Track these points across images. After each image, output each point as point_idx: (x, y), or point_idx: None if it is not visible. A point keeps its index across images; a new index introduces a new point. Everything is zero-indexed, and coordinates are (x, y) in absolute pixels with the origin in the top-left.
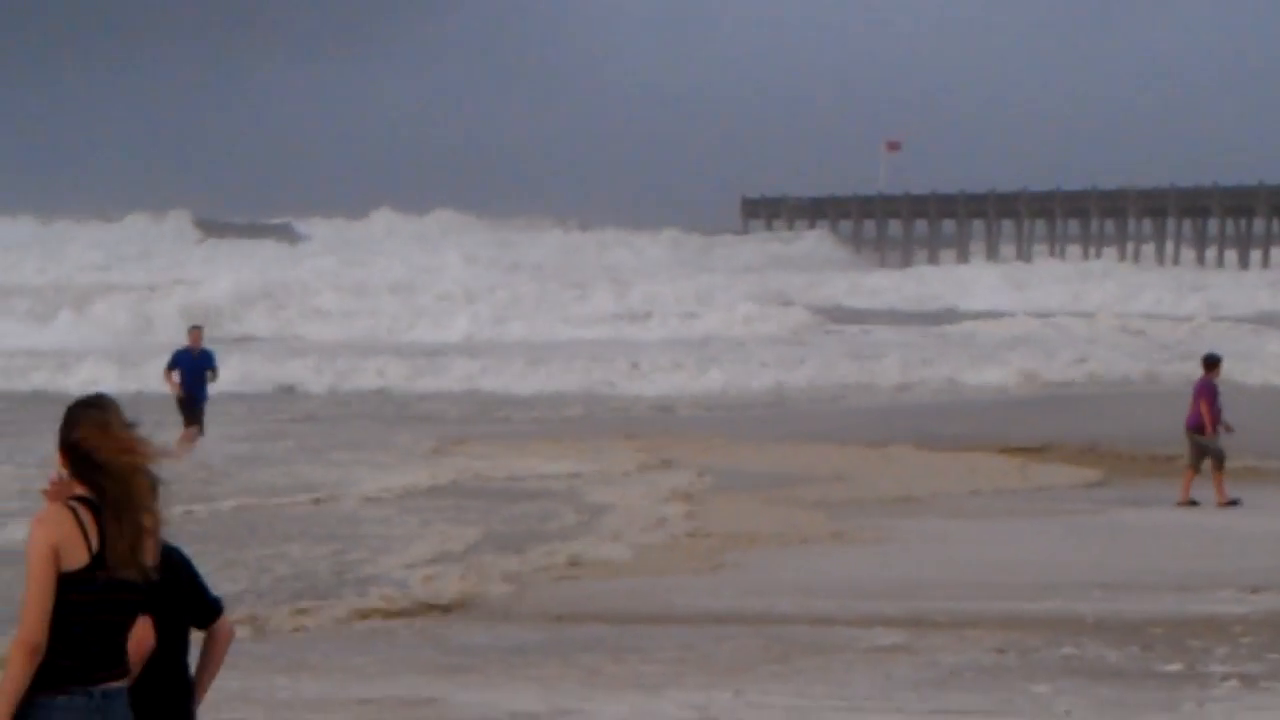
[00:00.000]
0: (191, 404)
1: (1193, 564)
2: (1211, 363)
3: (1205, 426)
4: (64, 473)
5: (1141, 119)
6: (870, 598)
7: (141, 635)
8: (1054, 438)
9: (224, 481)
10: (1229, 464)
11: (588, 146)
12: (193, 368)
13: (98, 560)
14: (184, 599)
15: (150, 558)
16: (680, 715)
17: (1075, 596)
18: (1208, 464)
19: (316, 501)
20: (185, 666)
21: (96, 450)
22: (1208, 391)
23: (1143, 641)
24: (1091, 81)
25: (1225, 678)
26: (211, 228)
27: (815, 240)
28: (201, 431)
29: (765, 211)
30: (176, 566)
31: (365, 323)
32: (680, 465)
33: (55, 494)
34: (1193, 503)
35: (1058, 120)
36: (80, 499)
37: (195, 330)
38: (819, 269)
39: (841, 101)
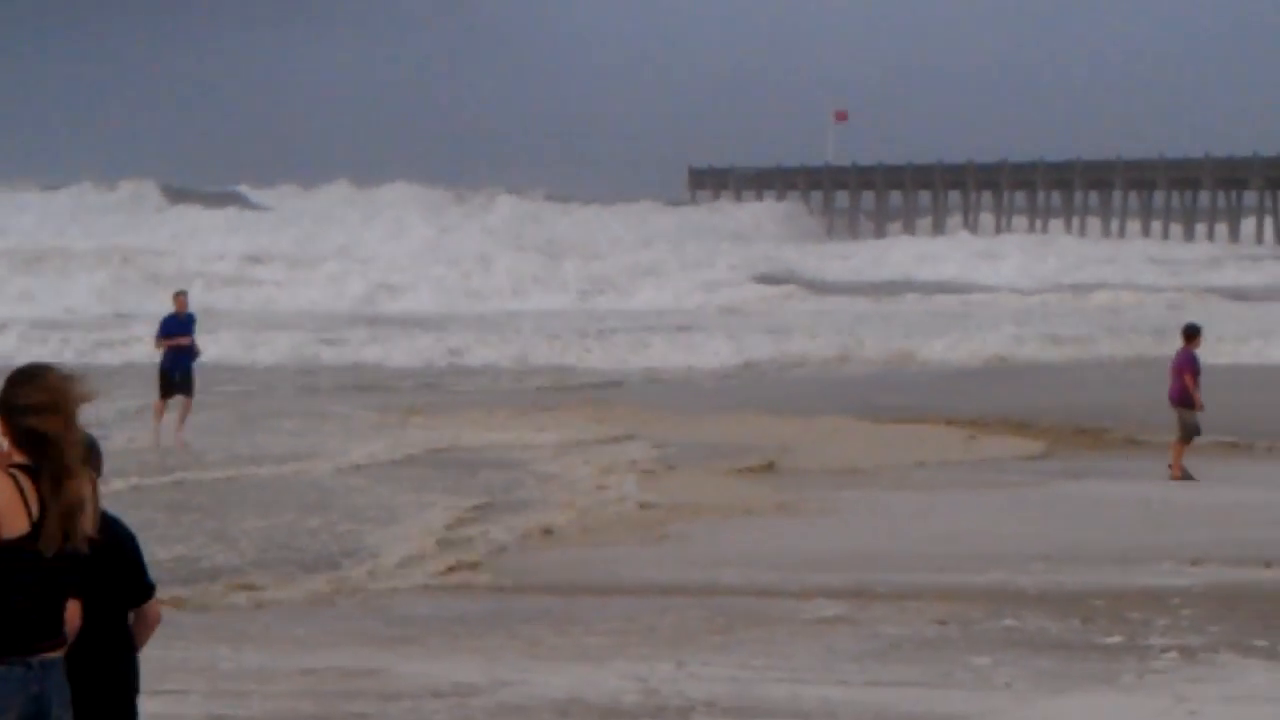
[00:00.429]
0: (177, 372)
1: (1134, 537)
2: (1191, 333)
3: (1192, 400)
4: (2, 441)
5: (1089, 91)
6: (813, 569)
7: (69, 615)
8: (999, 410)
9: (209, 452)
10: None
11: (533, 117)
12: (181, 332)
13: (38, 529)
14: (123, 573)
15: (89, 526)
16: (622, 686)
17: (1017, 568)
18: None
19: (295, 472)
20: (130, 639)
21: (33, 418)
22: (1190, 360)
23: (1083, 614)
24: (1040, 53)
25: (1165, 650)
26: (177, 195)
27: (784, 210)
28: (190, 396)
29: (712, 182)
30: (121, 539)
31: (315, 293)
32: (634, 437)
33: None
34: (1188, 476)
35: (1006, 92)
36: (20, 466)
37: (180, 295)
38: (793, 240)
39: (789, 72)
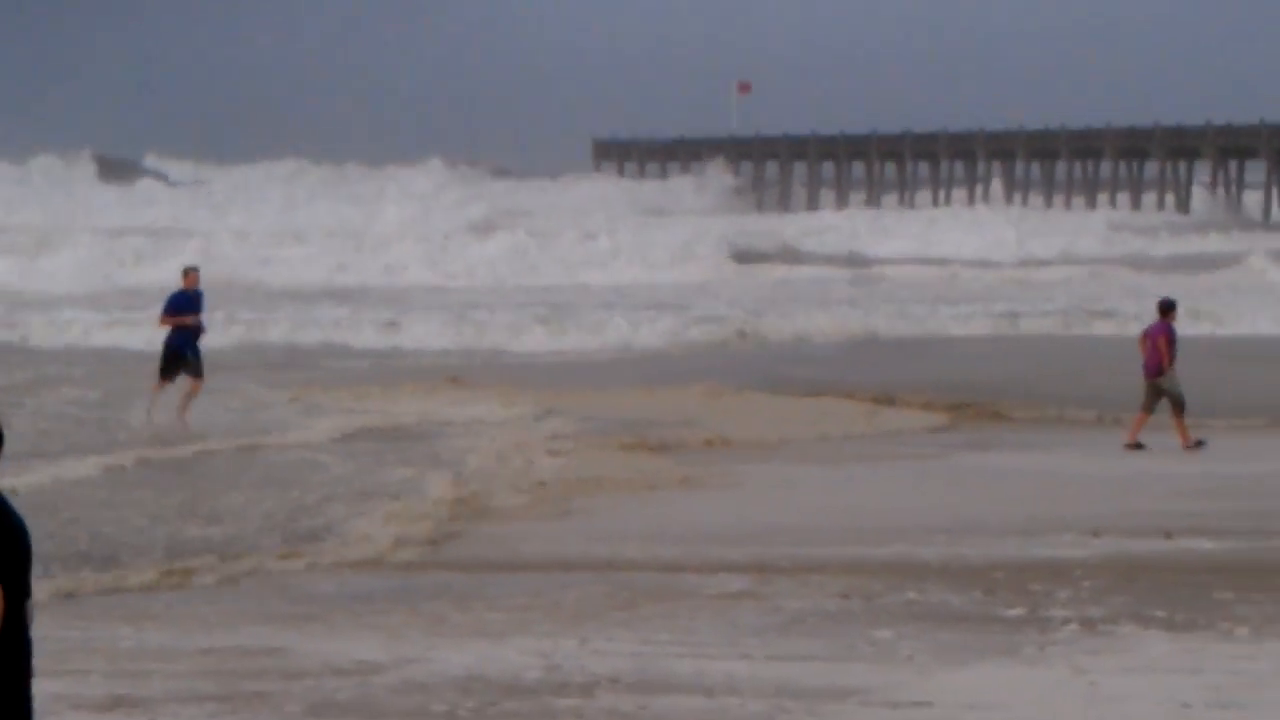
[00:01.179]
0: (190, 351)
1: (1035, 508)
2: (1168, 307)
3: (1164, 366)
4: None
5: (993, 59)
6: (717, 544)
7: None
8: (902, 384)
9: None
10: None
11: (442, 88)
12: (190, 310)
13: None
14: (22, 565)
15: None
16: (524, 663)
17: (919, 541)
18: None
19: (252, 449)
20: (26, 626)
21: None
22: (1168, 332)
23: (985, 586)
24: (942, 21)
25: (1066, 621)
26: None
27: (710, 182)
28: (201, 378)
29: (617, 154)
30: (15, 531)
31: (255, 272)
32: (551, 414)
33: None
34: (1139, 445)
35: (910, 61)
36: None
37: (191, 272)
38: (724, 212)
39: (692, 43)
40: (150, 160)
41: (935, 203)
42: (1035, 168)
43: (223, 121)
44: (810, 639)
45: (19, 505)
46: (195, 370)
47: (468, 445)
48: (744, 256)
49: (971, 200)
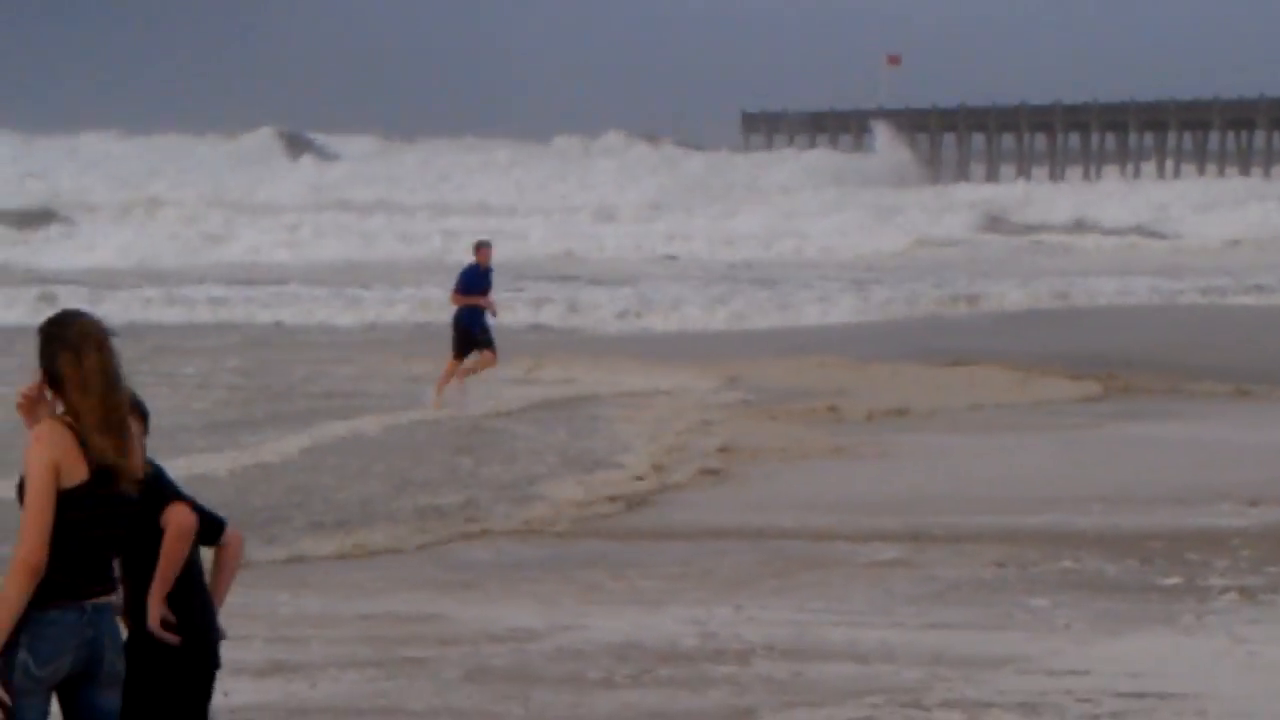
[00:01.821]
0: (478, 328)
1: (1191, 477)
2: None
3: None
4: (46, 390)
5: (1141, 31)
6: (870, 513)
7: (180, 517)
8: (1056, 353)
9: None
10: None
11: (591, 62)
12: (482, 287)
13: (97, 476)
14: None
15: (137, 469)
16: (679, 630)
17: (1074, 510)
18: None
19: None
20: (200, 580)
21: (76, 369)
22: None
23: (1141, 555)
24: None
25: (1224, 590)
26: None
27: (885, 152)
28: (493, 350)
29: (765, 126)
30: (164, 484)
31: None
32: (699, 385)
33: (29, 406)
34: None
35: (1058, 34)
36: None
37: (484, 247)
38: (907, 183)
39: (841, 16)
40: (318, 137)
41: (1086, 175)
42: (1188, 138)
43: (382, 99)
44: (965, 607)
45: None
46: (486, 342)
47: (646, 415)
48: (996, 226)
49: (1123, 173)
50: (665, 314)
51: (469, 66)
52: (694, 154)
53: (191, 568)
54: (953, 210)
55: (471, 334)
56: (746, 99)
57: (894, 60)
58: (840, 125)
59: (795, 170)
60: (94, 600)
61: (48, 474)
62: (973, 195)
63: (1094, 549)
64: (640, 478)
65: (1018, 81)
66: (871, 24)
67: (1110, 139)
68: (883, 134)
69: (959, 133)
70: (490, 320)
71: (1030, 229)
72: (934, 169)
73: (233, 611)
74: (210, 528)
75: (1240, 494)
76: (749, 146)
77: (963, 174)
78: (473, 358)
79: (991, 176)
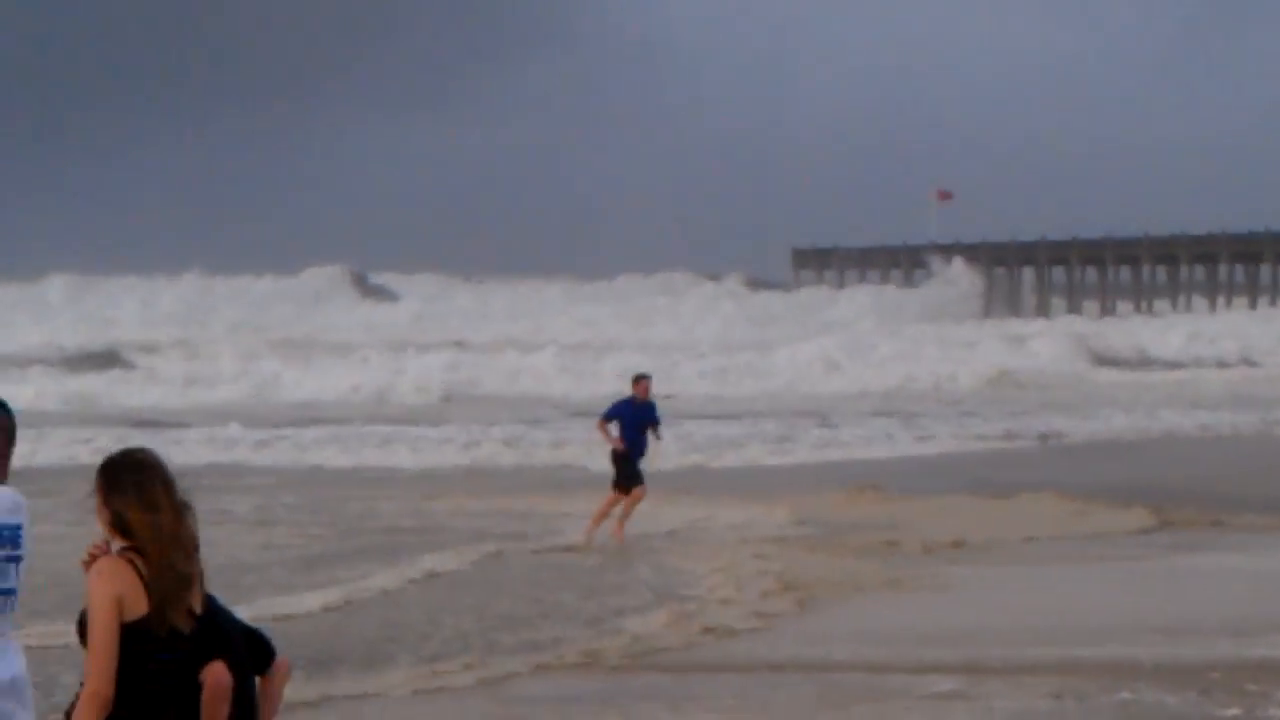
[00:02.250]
0: (631, 461)
1: (1248, 608)
2: None
3: None
4: (110, 540)
5: (1191, 162)
6: (926, 645)
7: (217, 675)
8: (1105, 484)
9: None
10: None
11: (647, 200)
12: (635, 420)
13: (158, 609)
14: (235, 643)
15: (198, 605)
16: None
17: (1132, 641)
18: None
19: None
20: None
21: (139, 511)
22: None
23: (1200, 686)
24: (1143, 127)
25: None
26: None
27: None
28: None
29: (816, 262)
30: (220, 612)
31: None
32: (760, 516)
33: (92, 562)
34: None
35: (1110, 166)
36: (130, 549)
37: (642, 380)
38: (962, 318)
39: (891, 151)
40: (375, 277)
41: (1137, 309)
42: (1239, 270)
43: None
44: None
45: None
46: (637, 478)
47: (708, 550)
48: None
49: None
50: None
51: (531, 208)
52: (766, 290)
53: (245, 703)
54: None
55: (630, 466)
56: (797, 235)
57: (945, 195)
58: (890, 260)
59: (870, 303)
60: None
61: (110, 607)
62: (1075, 329)
63: (1152, 680)
64: (700, 617)
65: (1070, 214)
66: (921, 159)
67: (1161, 271)
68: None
69: (1009, 265)
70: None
71: (1141, 362)
72: (984, 304)
73: None
74: (261, 656)
75: None
76: (799, 282)
77: (1016, 309)
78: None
79: (1042, 310)
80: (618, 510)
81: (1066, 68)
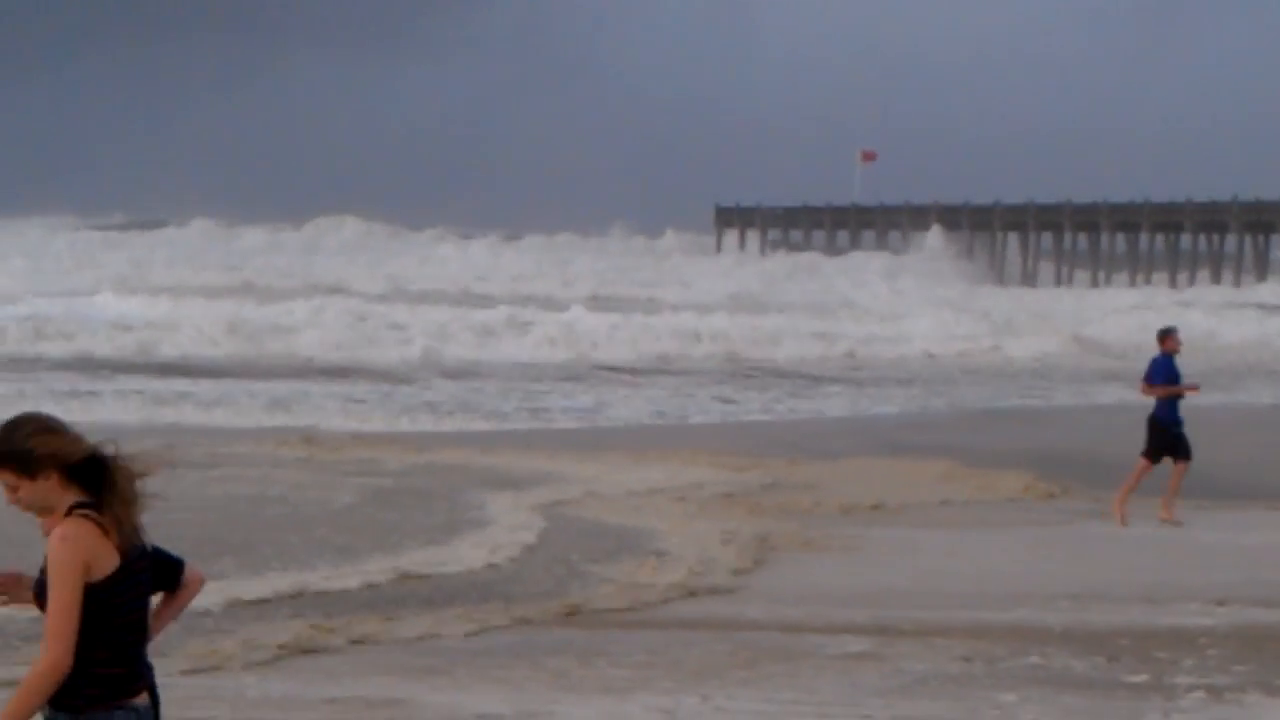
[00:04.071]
0: (1170, 427)
1: (1159, 576)
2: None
3: None
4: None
5: (1117, 132)
6: (839, 606)
7: (199, 575)
8: (1020, 450)
9: None
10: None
11: (575, 155)
12: (1169, 379)
13: (127, 560)
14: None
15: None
16: (647, 719)
17: (1042, 606)
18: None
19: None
20: None
21: (84, 453)
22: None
23: (1109, 652)
24: (1069, 95)
25: (1191, 689)
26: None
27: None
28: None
29: (739, 220)
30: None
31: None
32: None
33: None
34: None
35: (1036, 134)
36: (81, 505)
37: (1169, 334)
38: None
39: (817, 113)
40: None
41: (1058, 275)
42: (1160, 240)
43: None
44: (933, 701)
45: None
46: (1184, 449)
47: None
48: None
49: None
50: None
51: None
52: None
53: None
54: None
55: (1169, 434)
56: (718, 193)
57: (869, 156)
58: (813, 221)
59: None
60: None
61: (77, 576)
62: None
63: (1062, 645)
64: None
65: (996, 179)
66: (847, 120)
67: (1082, 238)
68: (933, 232)
69: (932, 230)
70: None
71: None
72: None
73: (196, 693)
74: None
75: (1207, 594)
76: (722, 240)
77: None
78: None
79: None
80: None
81: (999, 39)
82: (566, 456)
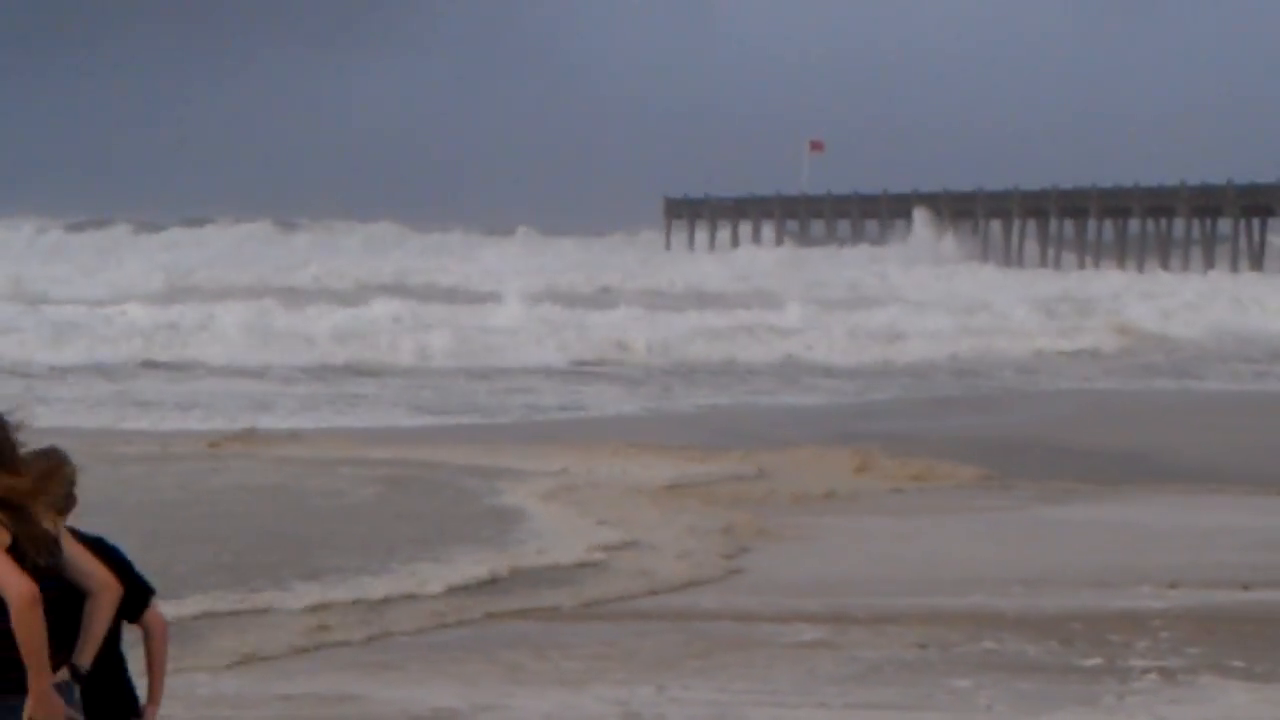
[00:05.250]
0: None
1: (1111, 560)
2: None
3: None
4: None
5: (1061, 118)
6: (793, 594)
7: (107, 578)
8: (969, 437)
9: None
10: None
11: (518, 148)
12: None
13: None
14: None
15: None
16: (602, 710)
17: (995, 592)
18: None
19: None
20: (121, 655)
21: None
22: None
23: (1062, 636)
24: (1017, 82)
25: (1145, 672)
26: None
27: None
28: None
29: (688, 212)
30: (108, 550)
31: None
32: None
33: None
34: None
35: (982, 121)
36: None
37: None
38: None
39: (765, 102)
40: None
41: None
42: (1108, 225)
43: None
44: (887, 688)
45: None
46: None
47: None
48: None
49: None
50: None
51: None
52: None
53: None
54: None
55: None
56: (669, 185)
57: (817, 146)
58: (763, 211)
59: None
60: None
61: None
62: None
63: (1015, 630)
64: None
65: (945, 166)
66: (795, 111)
67: (1031, 224)
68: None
69: (881, 219)
70: None
71: None
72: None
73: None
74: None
75: (1160, 576)
76: (672, 232)
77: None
78: None
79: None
80: None
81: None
82: (509, 452)
